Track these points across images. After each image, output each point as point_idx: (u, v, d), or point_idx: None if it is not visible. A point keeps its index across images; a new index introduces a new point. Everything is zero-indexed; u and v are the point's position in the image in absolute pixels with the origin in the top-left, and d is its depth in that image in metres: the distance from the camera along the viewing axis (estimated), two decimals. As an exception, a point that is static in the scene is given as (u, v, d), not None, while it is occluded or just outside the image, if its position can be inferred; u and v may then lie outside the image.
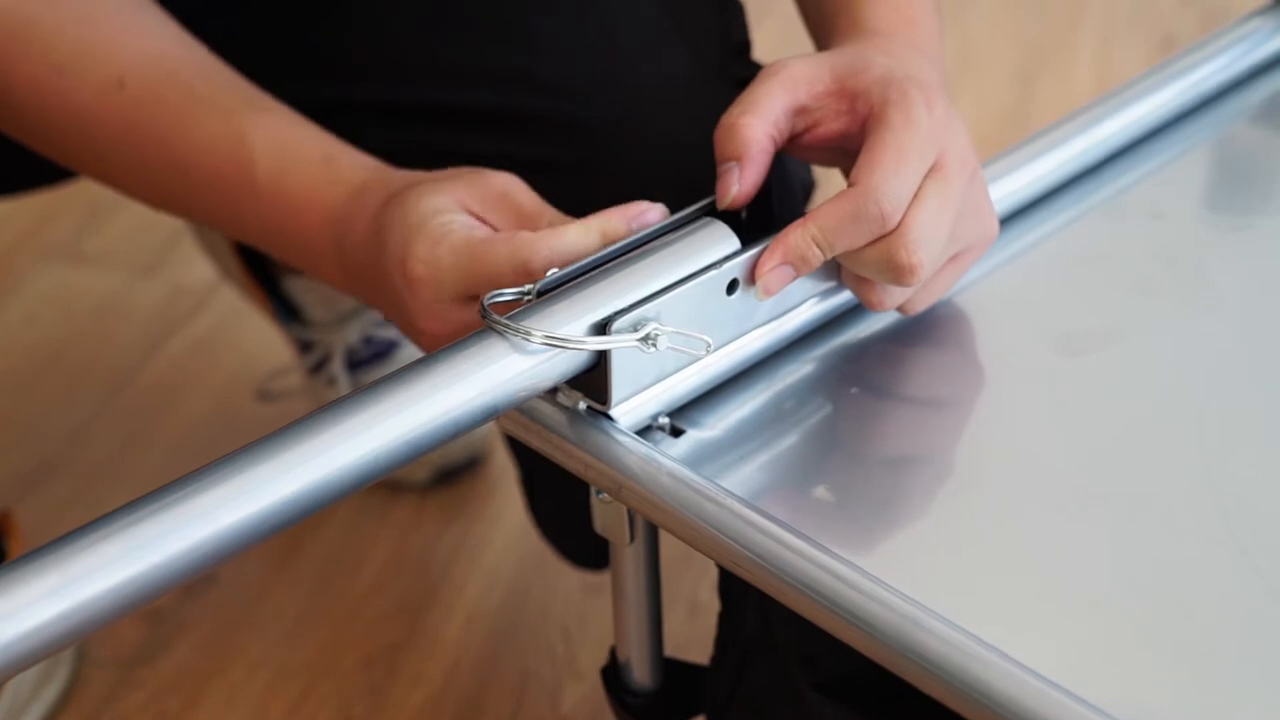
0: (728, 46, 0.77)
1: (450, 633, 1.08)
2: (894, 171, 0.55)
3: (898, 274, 0.56)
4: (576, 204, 0.66)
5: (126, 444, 1.24)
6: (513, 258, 0.55)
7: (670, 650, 0.66)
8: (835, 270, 0.60)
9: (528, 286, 0.55)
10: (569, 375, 0.54)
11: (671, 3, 0.75)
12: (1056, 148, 0.70)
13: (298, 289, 1.16)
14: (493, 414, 0.53)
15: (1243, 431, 0.58)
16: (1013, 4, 1.88)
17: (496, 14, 0.74)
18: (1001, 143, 0.91)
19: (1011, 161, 0.68)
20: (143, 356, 1.33)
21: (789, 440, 0.58)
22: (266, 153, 0.63)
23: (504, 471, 1.20)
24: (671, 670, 0.67)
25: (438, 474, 1.18)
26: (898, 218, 0.55)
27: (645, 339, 0.54)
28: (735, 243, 0.57)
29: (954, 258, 0.60)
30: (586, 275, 0.55)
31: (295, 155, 0.63)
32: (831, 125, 0.59)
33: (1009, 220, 0.69)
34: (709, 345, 0.55)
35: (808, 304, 0.61)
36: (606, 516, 0.58)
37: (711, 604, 0.68)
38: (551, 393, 0.56)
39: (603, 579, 1.10)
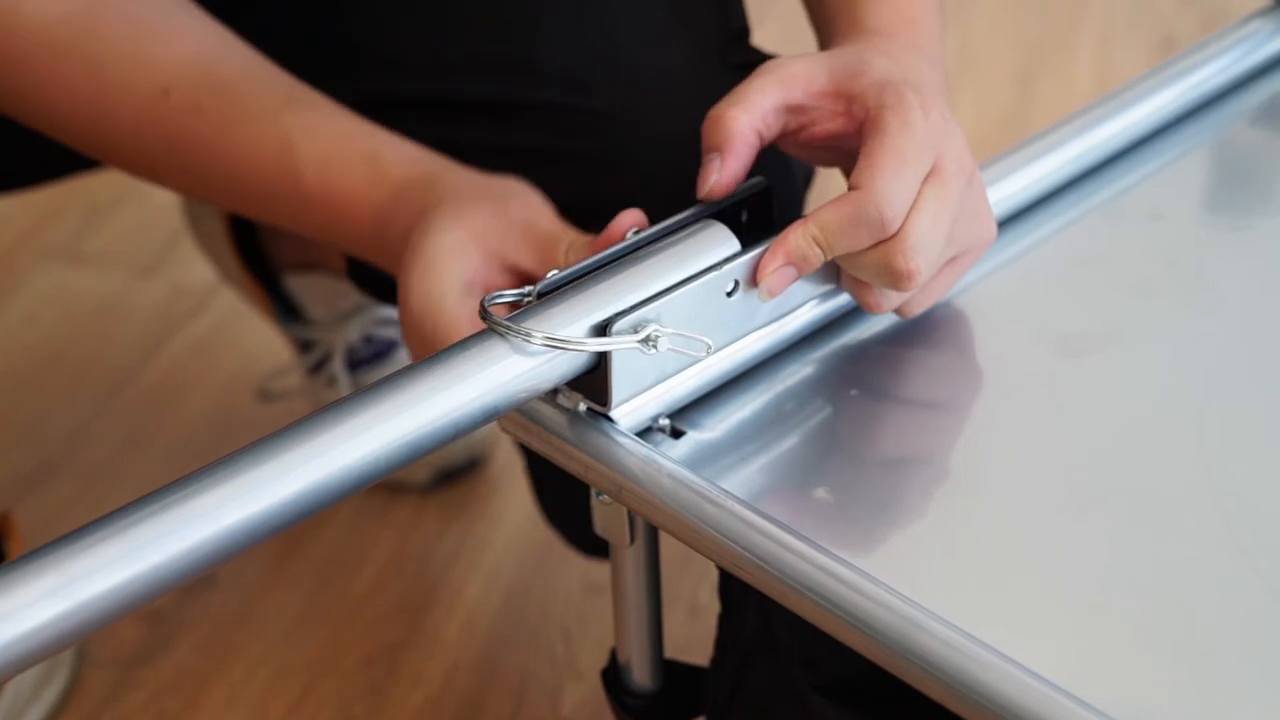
0: (728, 34, 0.77)
1: (450, 633, 1.08)
2: (894, 176, 0.55)
3: (895, 279, 0.56)
4: (579, 193, 0.66)
5: (126, 444, 1.24)
6: None
7: (670, 652, 0.66)
8: (835, 272, 0.60)
9: (528, 288, 0.55)
10: (569, 377, 0.54)
11: None
12: (1056, 149, 0.70)
13: (298, 288, 1.16)
14: (493, 415, 0.53)
15: (1243, 432, 0.58)
16: (1013, 4, 1.88)
17: (499, 7, 0.75)
18: (1001, 143, 0.91)
19: (1011, 163, 0.68)
20: (143, 357, 1.33)
21: (789, 442, 0.58)
22: (312, 156, 0.65)
23: (504, 472, 1.20)
24: (672, 672, 0.67)
25: (438, 475, 1.18)
26: (898, 223, 0.55)
27: (645, 341, 0.54)
28: (735, 244, 0.57)
29: (951, 261, 0.60)
30: (587, 277, 0.55)
31: (340, 157, 0.65)
32: (827, 125, 0.59)
33: (1008, 222, 0.69)
34: (709, 347, 0.55)
35: (808, 306, 0.61)
36: (606, 518, 0.58)
37: (711, 606, 0.68)
38: (552, 394, 0.56)
39: (603, 580, 1.10)
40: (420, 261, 0.60)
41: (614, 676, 0.67)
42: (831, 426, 0.59)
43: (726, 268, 0.56)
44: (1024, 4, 1.88)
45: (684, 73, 0.74)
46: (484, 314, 0.53)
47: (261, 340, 1.30)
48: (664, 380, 0.57)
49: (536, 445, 0.57)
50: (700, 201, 0.59)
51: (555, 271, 0.55)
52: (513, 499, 1.18)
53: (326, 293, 1.16)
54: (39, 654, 0.43)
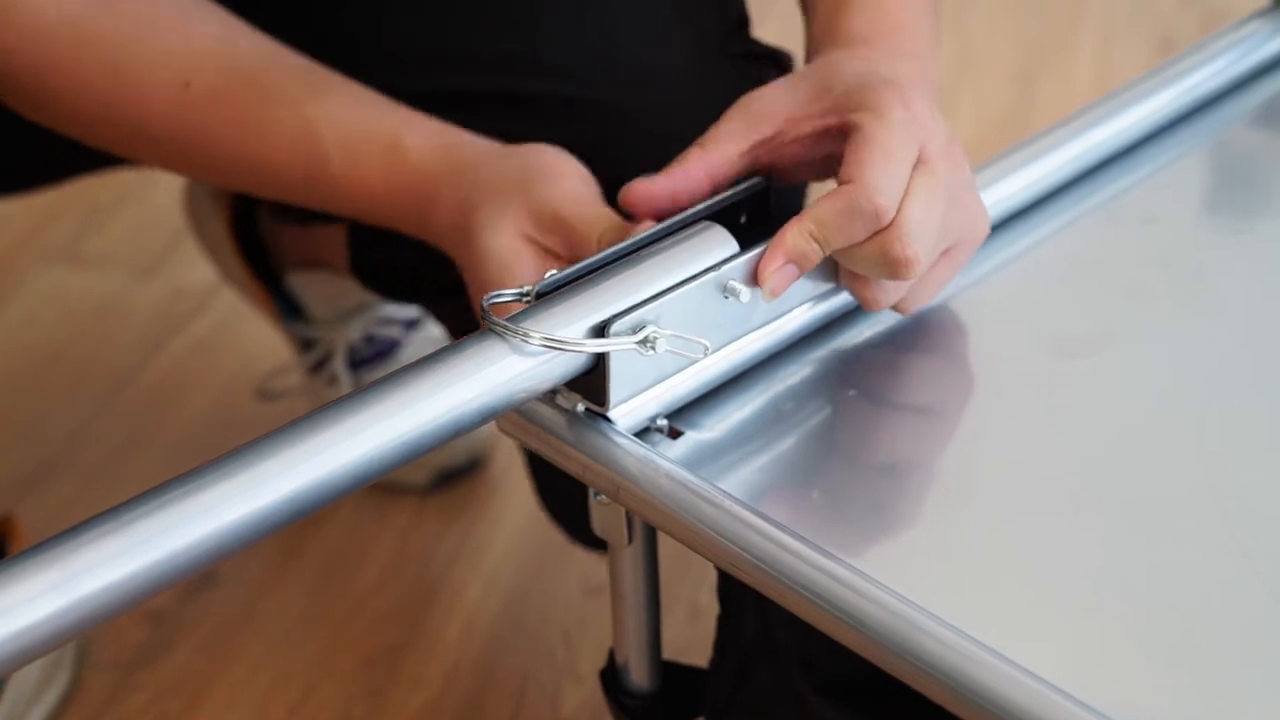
0: (727, 25, 0.77)
1: (450, 635, 1.08)
2: (883, 167, 0.55)
3: (894, 268, 0.56)
4: None
5: (126, 445, 1.24)
6: None
7: (670, 653, 0.66)
8: (833, 272, 0.60)
9: (526, 288, 0.55)
10: (568, 377, 0.54)
11: None
12: (1053, 151, 0.70)
13: (300, 286, 1.16)
14: (491, 415, 0.53)
15: (1243, 434, 0.58)
16: (1013, 4, 1.88)
17: (500, 4, 0.75)
18: (1001, 143, 0.91)
19: (1009, 164, 0.68)
20: (143, 357, 1.33)
21: (787, 442, 0.58)
22: (336, 143, 0.65)
23: (504, 474, 1.20)
24: (670, 673, 0.67)
25: (438, 476, 1.18)
26: (892, 212, 0.55)
27: (644, 342, 0.54)
28: (733, 245, 0.58)
29: (946, 253, 0.60)
30: (586, 277, 0.55)
31: (363, 141, 0.65)
32: (810, 145, 0.60)
33: (1006, 224, 0.69)
34: (707, 348, 0.55)
35: (805, 306, 0.61)
36: (605, 518, 0.58)
37: (711, 607, 0.68)
38: (550, 394, 0.56)
39: (603, 582, 1.10)
40: (489, 268, 0.61)
41: (612, 677, 0.67)
42: (829, 427, 0.59)
43: (725, 269, 0.56)
44: (1024, 4, 1.88)
45: (684, 66, 0.74)
46: (482, 314, 0.53)
47: (261, 341, 1.30)
48: (662, 381, 0.57)
49: (535, 445, 0.57)
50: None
51: (554, 271, 0.55)
52: (513, 500, 1.18)
53: (329, 291, 1.16)
54: (40, 649, 0.43)
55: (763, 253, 0.57)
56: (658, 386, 0.57)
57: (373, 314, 1.18)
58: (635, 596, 0.62)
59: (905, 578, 0.50)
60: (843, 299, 0.62)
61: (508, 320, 0.53)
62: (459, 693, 1.04)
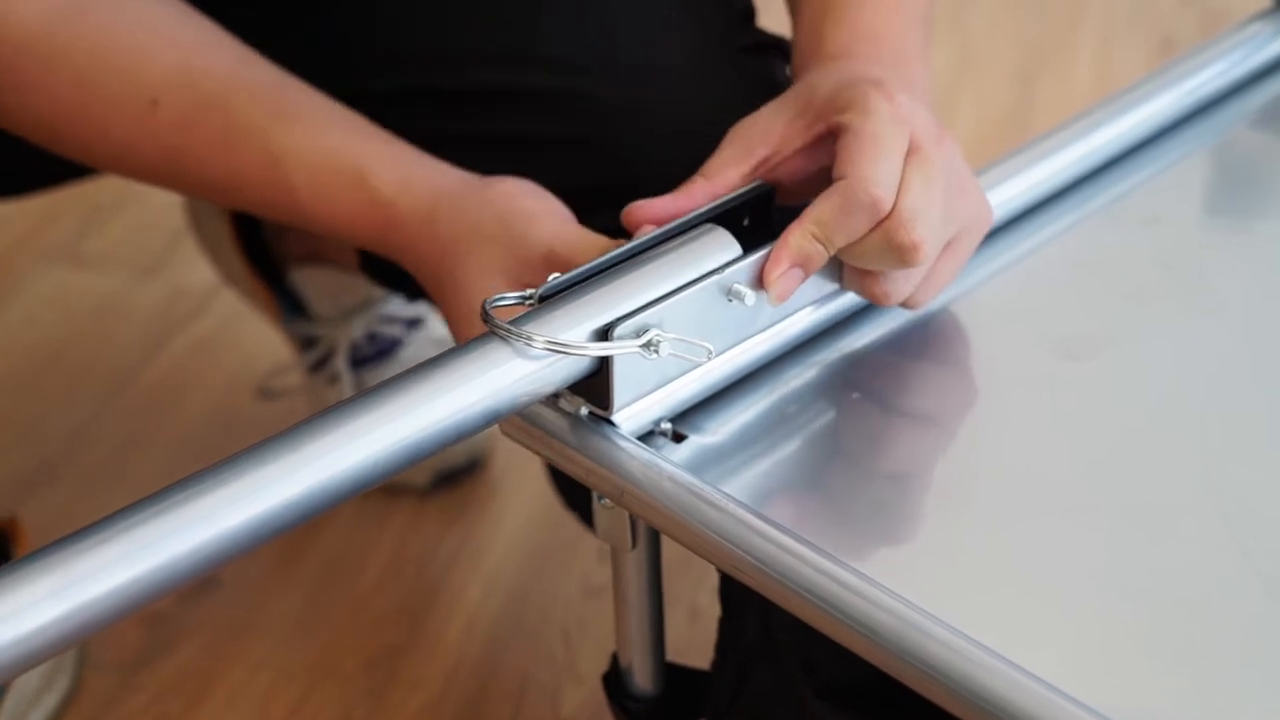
0: (732, 16, 0.77)
1: (450, 636, 1.08)
2: (875, 158, 0.55)
3: (902, 254, 0.56)
4: (583, 181, 0.66)
5: (127, 445, 1.24)
6: None
7: (670, 654, 0.66)
8: (836, 272, 0.60)
9: (530, 291, 0.55)
10: (571, 380, 0.54)
11: None
12: (1056, 153, 0.70)
13: (304, 283, 1.16)
14: (494, 418, 0.53)
15: (1244, 435, 0.58)
16: (1013, 4, 1.88)
17: (501, 2, 0.75)
18: (1001, 143, 0.91)
19: (1011, 167, 0.68)
20: (143, 358, 1.33)
21: (791, 446, 0.58)
22: (303, 179, 0.65)
23: (504, 475, 1.20)
24: (672, 675, 0.67)
25: (438, 477, 1.18)
26: (890, 201, 0.55)
27: (647, 345, 0.54)
28: (737, 249, 0.57)
29: (950, 245, 0.60)
30: (589, 281, 0.55)
31: (329, 178, 0.65)
32: (806, 159, 0.60)
33: (1009, 226, 0.69)
34: (710, 351, 0.55)
35: (809, 309, 0.61)
36: (608, 522, 0.58)
37: (712, 609, 0.68)
38: (553, 398, 0.56)
39: (602, 583, 1.10)
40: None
41: (615, 680, 0.67)
42: (833, 430, 0.59)
43: (728, 272, 0.56)
44: (1024, 4, 1.88)
45: (686, 62, 0.74)
46: (486, 317, 0.53)
47: (262, 341, 1.30)
48: (665, 384, 0.57)
49: (538, 449, 0.57)
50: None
51: (557, 275, 0.55)
52: (513, 501, 1.18)
53: (332, 287, 1.16)
54: (41, 655, 0.43)
55: (767, 255, 0.57)
56: (661, 390, 0.56)
57: (375, 312, 1.18)
58: (639, 600, 0.62)
59: (908, 581, 0.50)
60: (846, 302, 0.62)
61: (511, 323, 0.53)
62: (459, 693, 1.04)
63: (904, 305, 0.61)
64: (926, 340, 0.63)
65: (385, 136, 0.67)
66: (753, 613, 0.62)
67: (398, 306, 1.19)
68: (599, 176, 0.65)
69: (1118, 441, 0.58)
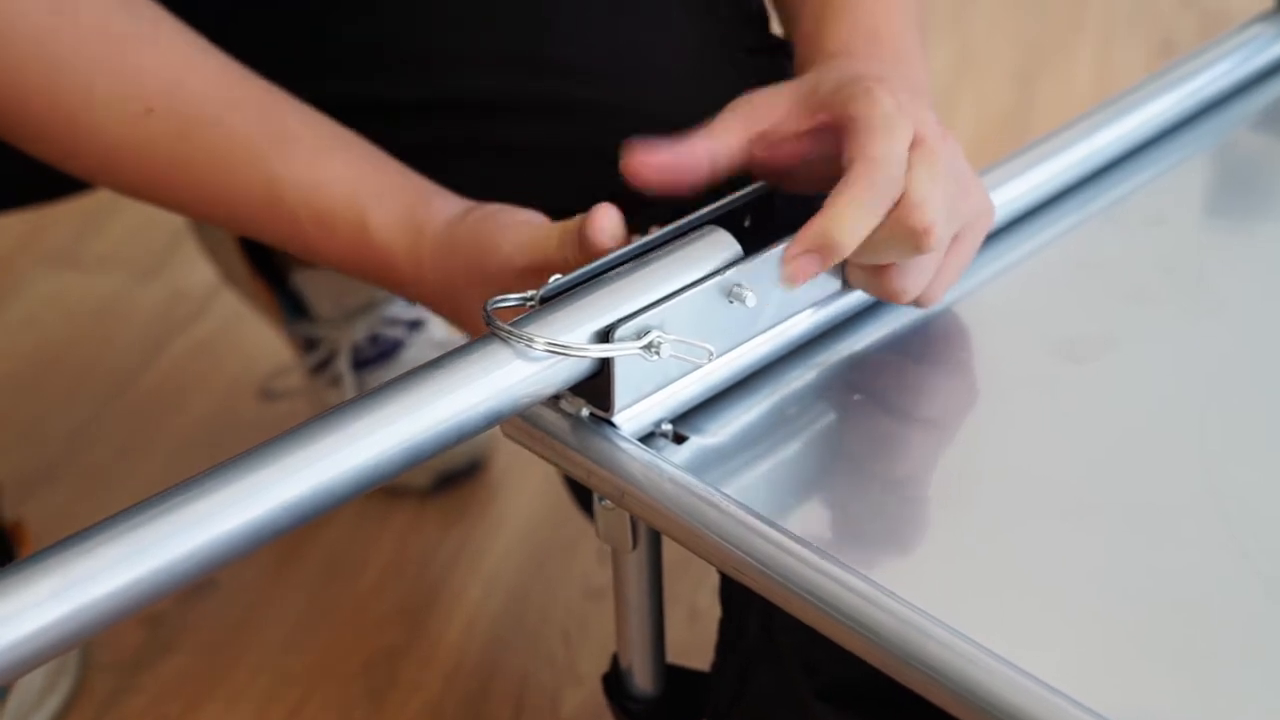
0: (740, 19, 0.77)
1: (450, 637, 1.08)
2: (886, 142, 0.55)
3: (915, 239, 0.56)
4: (584, 185, 0.66)
5: (127, 447, 1.24)
6: None
7: (671, 656, 0.66)
8: (839, 273, 0.60)
9: (530, 293, 0.55)
10: (572, 382, 0.54)
11: None
12: (1058, 154, 0.70)
13: (306, 284, 1.16)
14: (496, 420, 0.53)
15: (1244, 436, 0.58)
16: (1013, 4, 1.88)
17: (508, 6, 0.75)
18: (1001, 143, 0.91)
19: (1012, 168, 0.68)
20: (143, 360, 1.33)
21: (792, 447, 0.58)
22: (307, 214, 0.65)
23: (505, 476, 1.20)
24: (673, 676, 0.67)
25: (438, 478, 1.18)
26: (903, 182, 0.55)
27: (648, 347, 0.54)
28: (737, 250, 0.57)
29: (956, 239, 0.60)
30: (589, 282, 0.55)
31: (328, 214, 0.65)
32: (806, 144, 0.60)
33: (1011, 227, 0.69)
34: (711, 353, 0.55)
35: (810, 310, 0.61)
36: (609, 523, 0.58)
37: (712, 610, 0.68)
38: (554, 399, 0.56)
39: (602, 584, 1.10)
40: None
41: (615, 681, 0.67)
42: (834, 432, 0.59)
43: (729, 273, 0.56)
44: (1024, 4, 1.88)
45: (694, 65, 0.74)
46: (487, 319, 0.53)
47: (262, 343, 1.30)
48: (666, 385, 0.57)
49: (539, 450, 0.57)
50: (702, 205, 0.59)
51: (558, 276, 0.55)
52: (513, 502, 1.18)
53: (335, 289, 1.16)
54: (42, 656, 0.43)
55: (768, 257, 0.57)
56: (662, 391, 0.56)
57: (378, 313, 1.18)
58: (639, 601, 0.62)
59: (909, 582, 0.50)
60: (847, 304, 0.62)
61: (512, 325, 0.53)
62: (459, 695, 1.04)
63: (916, 303, 0.61)
64: (928, 342, 0.63)
65: (381, 161, 0.66)
66: (753, 614, 0.62)
67: (400, 308, 1.20)
68: (600, 181, 0.65)
69: (1118, 442, 0.58)
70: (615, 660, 0.67)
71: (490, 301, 0.54)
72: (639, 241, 0.57)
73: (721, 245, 0.57)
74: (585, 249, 0.58)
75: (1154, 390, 0.61)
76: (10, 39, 0.64)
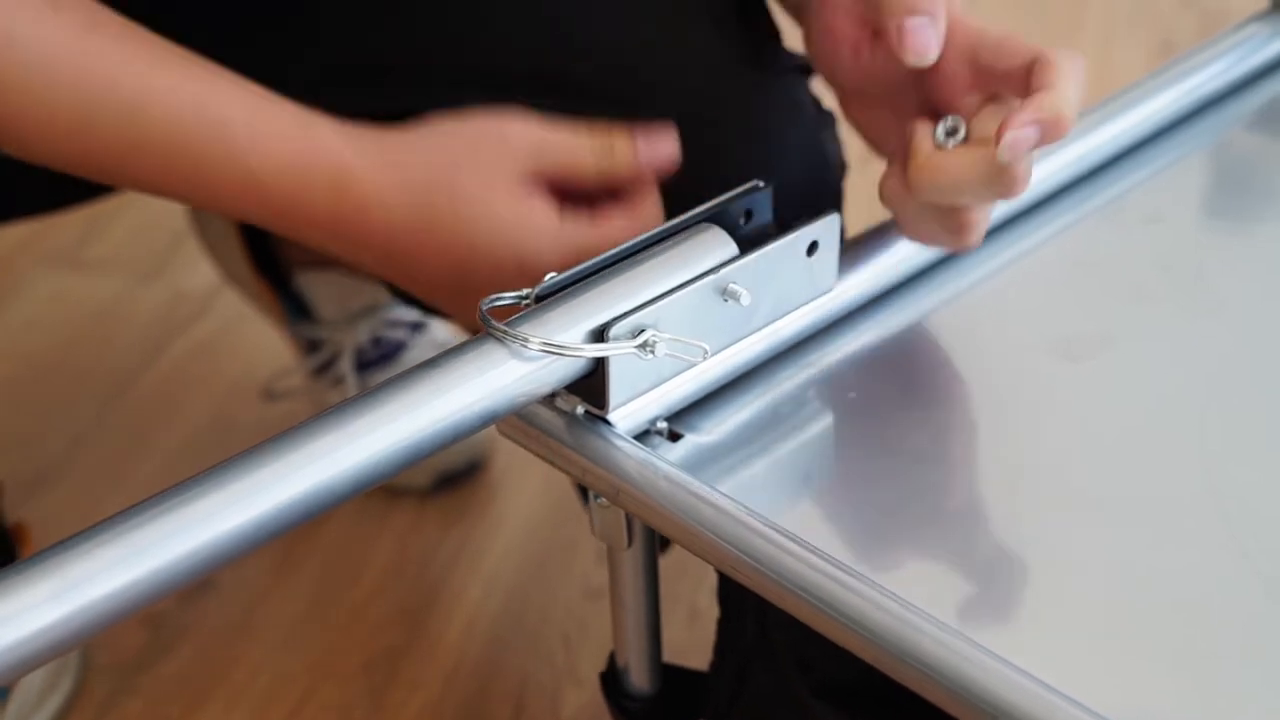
0: (755, 38, 0.77)
1: (450, 638, 1.08)
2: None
3: (1011, 185, 0.56)
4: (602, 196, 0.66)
5: (128, 448, 1.24)
6: None
7: (669, 655, 0.66)
8: (834, 272, 0.60)
9: (525, 291, 0.55)
10: (567, 381, 0.54)
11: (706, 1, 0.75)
12: (1055, 152, 0.70)
13: (309, 286, 1.16)
14: (491, 419, 0.53)
15: (1243, 435, 0.58)
16: (1013, 4, 1.88)
17: (520, 14, 0.74)
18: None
19: (1010, 166, 0.68)
20: (144, 362, 1.33)
21: (787, 445, 0.58)
22: (242, 117, 0.60)
23: (504, 476, 1.20)
24: (670, 676, 0.67)
25: (438, 479, 1.18)
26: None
27: (643, 345, 0.54)
28: (733, 248, 0.58)
29: None
30: (584, 281, 0.55)
31: (270, 113, 0.60)
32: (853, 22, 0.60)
33: (1008, 225, 0.69)
34: (706, 351, 0.55)
35: (805, 309, 0.61)
36: (605, 521, 0.58)
37: (710, 609, 0.68)
38: (550, 397, 0.56)
39: (603, 584, 1.10)
40: (506, 238, 0.59)
41: (612, 680, 0.67)
42: (829, 430, 0.59)
43: (724, 272, 0.56)
44: (1024, 4, 1.88)
45: (713, 83, 0.73)
46: (482, 319, 0.53)
47: (263, 344, 1.31)
48: (661, 384, 0.57)
49: (535, 448, 0.57)
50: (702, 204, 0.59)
51: (552, 275, 0.55)
52: (513, 503, 1.18)
53: (338, 291, 1.16)
54: (42, 657, 0.43)
55: (764, 255, 0.57)
56: (657, 389, 0.57)
57: (381, 315, 1.18)
58: (635, 599, 0.62)
59: (904, 580, 0.50)
60: (841, 302, 0.62)
61: (506, 324, 0.53)
62: (459, 695, 1.04)
63: (960, 247, 0.60)
64: (923, 340, 0.63)
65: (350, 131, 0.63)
66: (750, 613, 0.62)
67: (402, 310, 1.20)
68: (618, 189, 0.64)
69: (1117, 441, 0.58)
70: (612, 659, 0.67)
71: (485, 301, 0.54)
72: (634, 239, 0.57)
73: (717, 243, 0.57)
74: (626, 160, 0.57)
75: (1152, 389, 0.61)
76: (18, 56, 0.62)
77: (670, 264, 0.56)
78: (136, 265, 1.45)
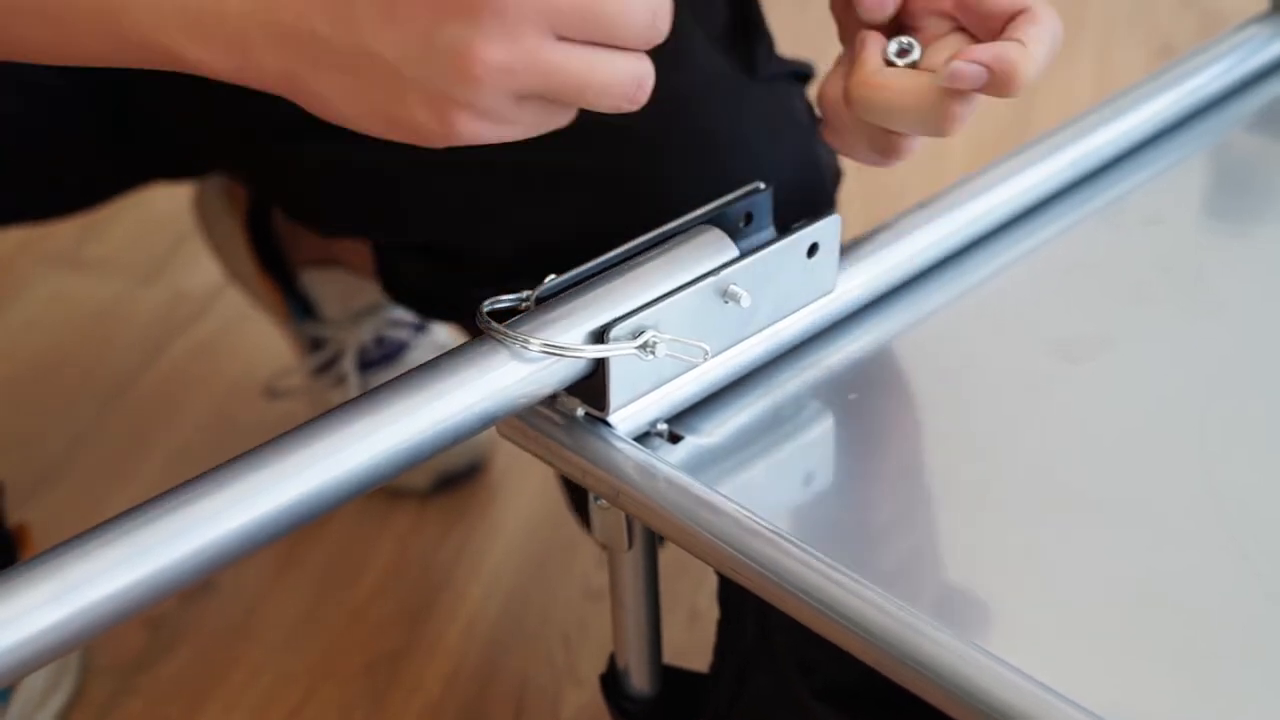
0: (749, 49, 0.77)
1: (450, 639, 1.08)
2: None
3: (949, 121, 0.55)
4: (607, 211, 0.65)
5: (128, 449, 1.24)
6: None
7: (669, 657, 0.66)
8: (833, 274, 0.60)
9: (525, 293, 0.55)
10: (568, 382, 0.54)
11: (699, 9, 0.75)
12: (1055, 154, 0.70)
13: (314, 285, 1.16)
14: (492, 420, 0.53)
15: (1243, 436, 0.58)
16: (1013, 7, 1.88)
17: None
18: (1000, 146, 0.91)
19: (1010, 167, 0.68)
20: (144, 362, 1.33)
21: (787, 447, 0.58)
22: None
23: (504, 477, 1.20)
24: (670, 678, 0.67)
25: (438, 480, 1.18)
26: None
27: (643, 347, 0.54)
28: (733, 250, 0.58)
29: None
30: (585, 282, 0.56)
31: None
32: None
33: (1008, 226, 0.69)
34: (706, 353, 0.55)
35: (805, 311, 0.61)
36: (605, 523, 0.58)
37: (710, 611, 0.68)
38: (550, 399, 0.56)
39: (603, 586, 1.10)
40: None
41: (612, 682, 0.67)
42: (829, 431, 0.59)
43: (724, 273, 0.56)
44: (1024, 6, 1.87)
45: (712, 94, 0.73)
46: (482, 320, 0.53)
47: (263, 344, 1.31)
48: (662, 385, 0.57)
49: (535, 450, 0.57)
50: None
51: (553, 276, 0.56)
52: (513, 504, 1.18)
53: (343, 290, 1.16)
54: (42, 658, 0.43)
55: (763, 257, 0.57)
56: (657, 391, 0.57)
57: (384, 315, 1.18)
58: (635, 601, 0.62)
59: (904, 582, 0.50)
60: (842, 304, 0.62)
61: (507, 326, 0.53)
62: (459, 696, 1.04)
63: (881, 165, 0.60)
64: (923, 342, 0.63)
65: None
66: (750, 615, 0.62)
67: (405, 310, 1.20)
68: (623, 208, 0.64)
69: (1116, 443, 0.58)
70: (612, 660, 0.67)
71: (487, 303, 0.54)
72: (635, 241, 0.58)
73: (717, 245, 0.57)
74: None
75: (1152, 390, 0.61)
76: None
77: (670, 265, 0.56)
78: (137, 265, 1.45)
